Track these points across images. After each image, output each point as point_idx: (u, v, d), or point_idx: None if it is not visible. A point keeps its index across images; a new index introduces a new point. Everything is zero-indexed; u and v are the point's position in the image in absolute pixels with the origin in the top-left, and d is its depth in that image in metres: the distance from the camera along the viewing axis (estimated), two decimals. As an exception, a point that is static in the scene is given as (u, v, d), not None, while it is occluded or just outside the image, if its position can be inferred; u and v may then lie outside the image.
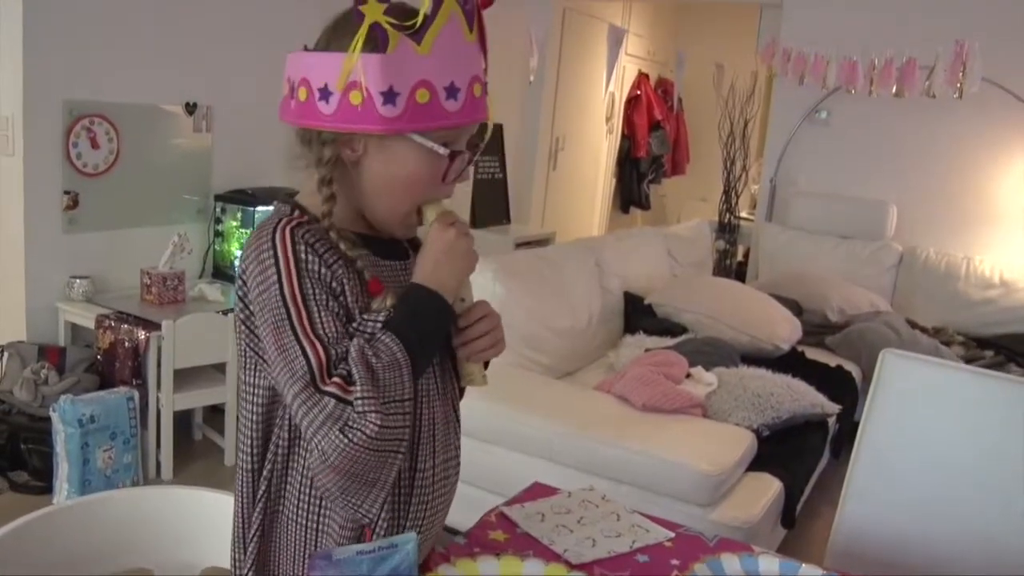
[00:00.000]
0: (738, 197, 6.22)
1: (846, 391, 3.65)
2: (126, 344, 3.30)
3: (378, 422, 1.02)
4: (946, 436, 1.86)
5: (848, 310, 4.44)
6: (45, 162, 3.37)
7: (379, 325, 1.10)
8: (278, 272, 1.08)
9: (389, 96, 1.07)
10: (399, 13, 1.07)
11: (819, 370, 3.71)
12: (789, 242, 5.30)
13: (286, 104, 1.15)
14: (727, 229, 6.14)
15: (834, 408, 3.21)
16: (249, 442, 1.19)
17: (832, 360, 3.97)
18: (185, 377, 3.36)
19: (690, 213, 7.60)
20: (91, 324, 3.39)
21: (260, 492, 1.18)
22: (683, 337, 3.62)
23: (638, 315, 3.87)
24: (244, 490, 1.20)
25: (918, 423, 1.87)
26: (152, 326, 3.28)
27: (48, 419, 3.09)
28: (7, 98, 3.31)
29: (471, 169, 1.22)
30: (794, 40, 5.17)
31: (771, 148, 5.71)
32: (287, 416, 1.15)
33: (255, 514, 1.19)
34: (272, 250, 1.09)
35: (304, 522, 1.17)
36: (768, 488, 2.71)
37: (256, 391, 1.17)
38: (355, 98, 1.08)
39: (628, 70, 7.85)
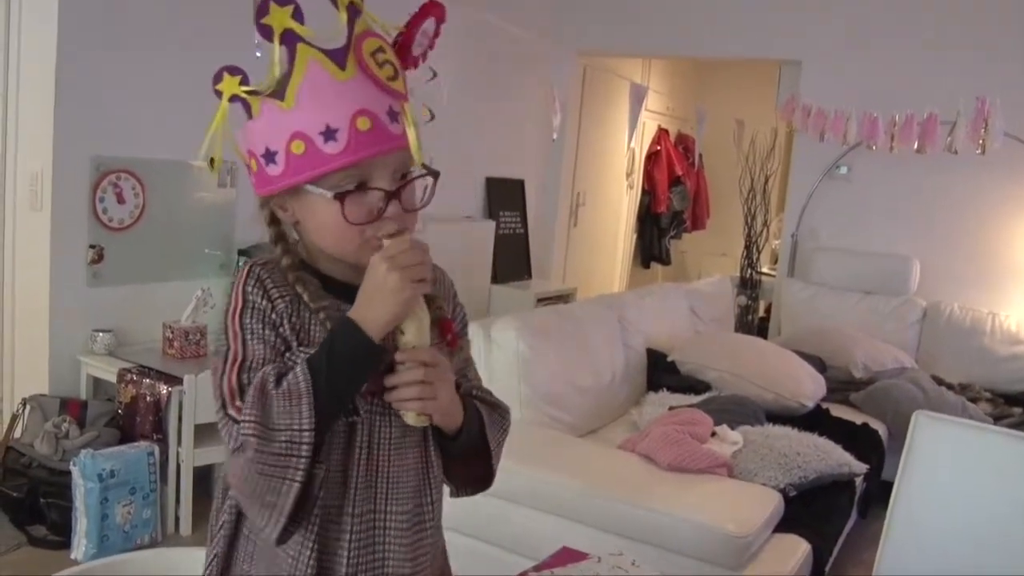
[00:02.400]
0: (759, 252, 6.21)
1: (872, 449, 3.60)
2: (147, 398, 3.29)
3: (255, 445, 1.06)
4: (980, 497, 1.82)
5: (872, 367, 4.39)
6: (72, 216, 3.40)
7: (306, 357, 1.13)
8: (229, 306, 1.16)
9: (269, 156, 1.12)
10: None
11: (845, 428, 3.66)
12: (811, 297, 5.27)
13: None
14: (749, 284, 6.11)
15: (862, 468, 3.16)
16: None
17: (857, 417, 3.92)
18: (206, 432, 3.34)
19: (711, 268, 7.59)
20: (113, 378, 3.39)
21: (216, 535, 1.25)
22: (707, 395, 3.59)
23: (661, 372, 3.84)
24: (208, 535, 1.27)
25: (951, 485, 1.83)
26: (174, 380, 3.28)
27: (68, 473, 3.08)
28: (37, 153, 3.35)
29: (419, 196, 1.21)
30: (814, 96, 5.19)
31: (792, 203, 5.71)
32: None
33: (211, 553, 1.25)
34: (232, 288, 1.18)
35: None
36: (796, 550, 2.66)
37: None
38: (253, 165, 1.16)
39: (648, 126, 7.90)
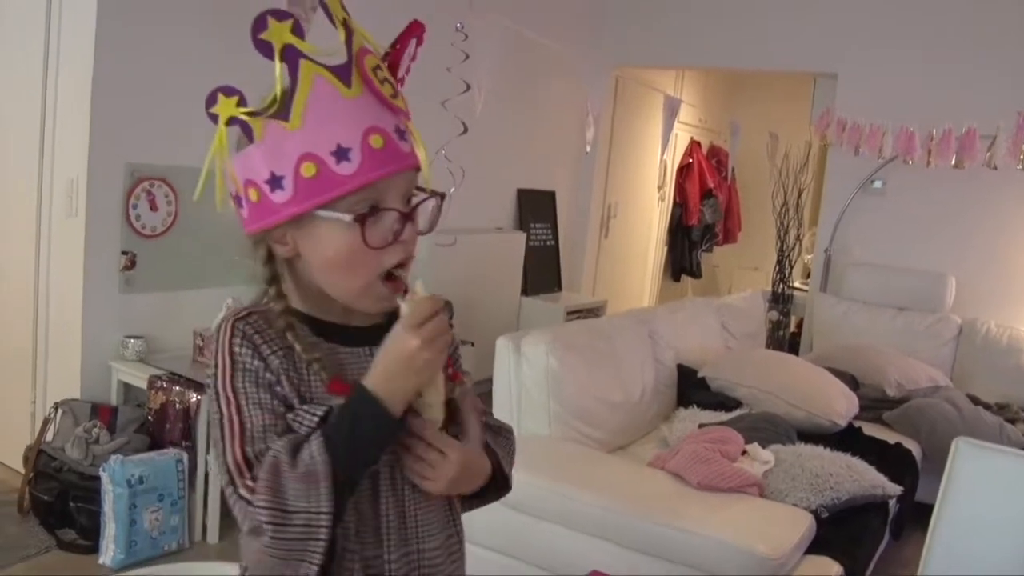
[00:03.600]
0: (792, 267, 6.16)
1: (906, 470, 3.54)
2: (177, 405, 3.30)
3: (271, 532, 1.00)
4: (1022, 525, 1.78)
5: (906, 384, 4.33)
6: (106, 223, 3.42)
7: (316, 419, 1.06)
8: (216, 368, 1.08)
9: (275, 182, 1.05)
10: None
11: (877, 447, 3.61)
12: (844, 313, 5.21)
13: None
14: (780, 299, 6.06)
15: (896, 490, 3.11)
16: None
17: (890, 436, 3.86)
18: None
19: (742, 282, 7.54)
20: (143, 384, 3.40)
21: None
22: (737, 412, 3.55)
23: (692, 388, 3.81)
24: None
25: (992, 513, 1.79)
26: (203, 388, 3.29)
27: (98, 478, 3.09)
28: (73, 160, 3.38)
29: (428, 219, 1.14)
30: (849, 110, 5.14)
31: (825, 218, 5.66)
32: None
33: None
34: (215, 346, 1.09)
35: None
36: (828, 572, 2.61)
37: None
38: (253, 195, 1.07)
39: (680, 138, 7.87)
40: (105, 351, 3.51)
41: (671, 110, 6.46)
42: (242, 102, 1.05)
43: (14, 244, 3.61)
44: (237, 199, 1.11)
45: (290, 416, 1.07)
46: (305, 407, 1.08)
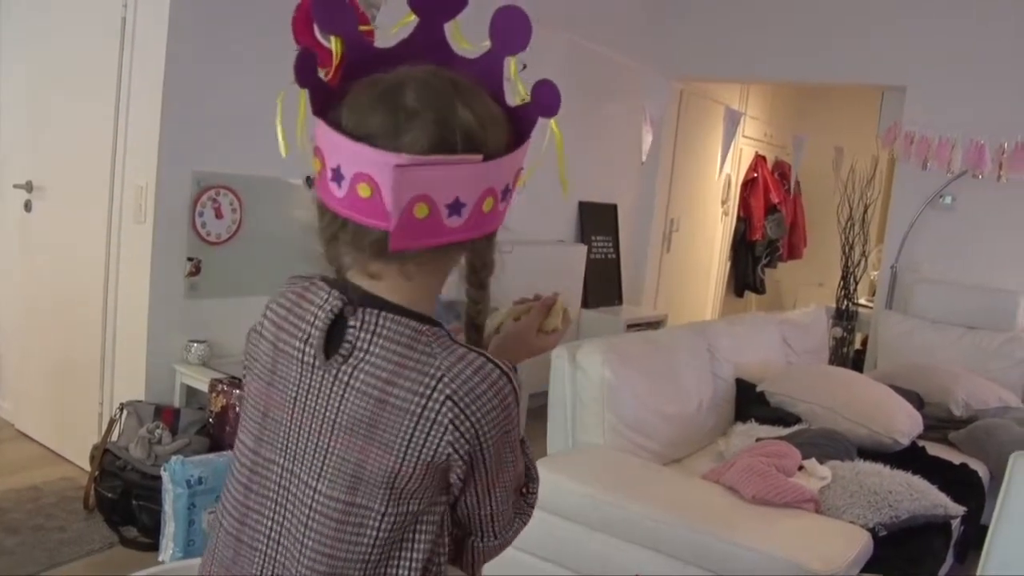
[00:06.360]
0: (857, 283, 6.06)
1: (972, 491, 3.45)
2: (237, 409, 3.36)
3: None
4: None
5: (974, 404, 4.22)
6: (172, 230, 3.51)
7: None
8: (507, 425, 1.07)
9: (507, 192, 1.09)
10: None
11: (942, 468, 3.52)
12: (910, 331, 5.10)
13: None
14: (845, 316, 5.96)
15: (958, 510, 3.03)
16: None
17: (956, 457, 3.76)
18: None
19: (806, 298, 7.43)
20: (205, 387, 3.48)
21: None
22: (796, 427, 3.49)
23: (750, 403, 3.76)
24: None
25: (1052, 533, 1.74)
26: (263, 393, 3.34)
27: (159, 478, 3.16)
28: (143, 169, 3.47)
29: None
30: (917, 123, 5.05)
31: (892, 233, 5.56)
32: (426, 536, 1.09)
33: None
34: (515, 399, 1.06)
35: None
36: (885, 592, 2.56)
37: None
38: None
39: (745, 152, 7.80)
40: (169, 354, 3.59)
41: (732, 122, 6.41)
42: None
43: (85, 249, 3.72)
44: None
45: None
46: None
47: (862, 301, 6.34)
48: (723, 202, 7.66)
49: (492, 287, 1.17)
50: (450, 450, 1.01)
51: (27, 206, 4.00)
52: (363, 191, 0.98)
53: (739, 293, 8.12)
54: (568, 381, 3.16)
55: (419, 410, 1.00)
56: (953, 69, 5.19)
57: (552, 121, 1.10)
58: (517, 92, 1.09)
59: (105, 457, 3.34)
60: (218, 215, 3.63)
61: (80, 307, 3.77)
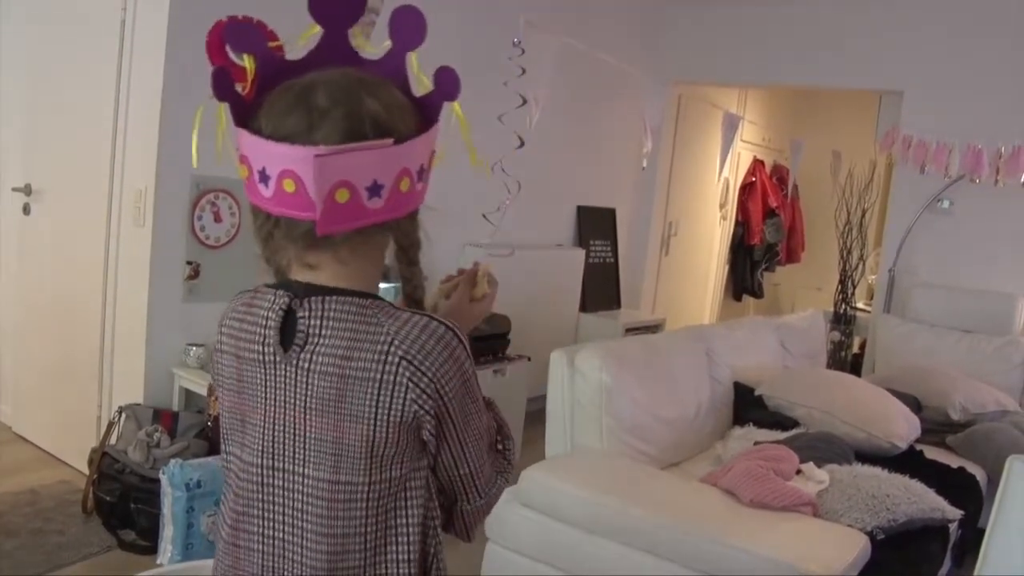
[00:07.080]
0: (855, 287, 6.07)
1: (969, 495, 3.45)
2: (236, 413, 3.36)
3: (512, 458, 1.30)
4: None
5: (972, 408, 4.22)
6: (171, 233, 3.51)
7: None
8: (467, 374, 1.13)
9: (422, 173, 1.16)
10: None
11: (939, 471, 3.52)
12: (908, 335, 5.11)
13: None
14: (843, 320, 5.97)
15: (955, 513, 3.04)
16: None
17: (954, 461, 3.77)
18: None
19: (804, 302, 7.45)
20: (204, 391, 3.48)
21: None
22: (794, 431, 3.50)
23: (748, 406, 3.77)
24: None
25: (1049, 536, 1.74)
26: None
27: (157, 481, 3.16)
28: (142, 172, 3.48)
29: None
30: (915, 128, 5.07)
31: (890, 237, 5.57)
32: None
33: None
34: (464, 351, 1.12)
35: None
36: (883, 596, 2.57)
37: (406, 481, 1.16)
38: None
39: (743, 156, 7.81)
40: (168, 358, 3.59)
41: (730, 126, 6.42)
42: None
43: (84, 252, 3.73)
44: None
45: None
46: None
47: (860, 305, 6.35)
48: (721, 206, 7.67)
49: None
50: (415, 407, 1.08)
51: (26, 209, 4.00)
52: (288, 186, 1.06)
53: (737, 297, 8.13)
54: (566, 385, 3.17)
55: (378, 376, 1.07)
56: (951, 73, 5.21)
57: (455, 104, 1.17)
58: (421, 83, 1.16)
59: (103, 460, 3.34)
60: (217, 219, 3.63)
61: (79, 310, 3.77)
